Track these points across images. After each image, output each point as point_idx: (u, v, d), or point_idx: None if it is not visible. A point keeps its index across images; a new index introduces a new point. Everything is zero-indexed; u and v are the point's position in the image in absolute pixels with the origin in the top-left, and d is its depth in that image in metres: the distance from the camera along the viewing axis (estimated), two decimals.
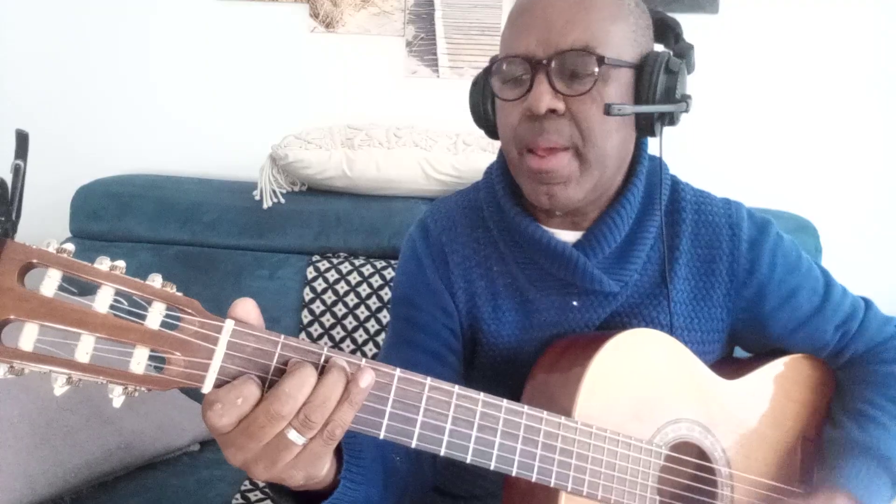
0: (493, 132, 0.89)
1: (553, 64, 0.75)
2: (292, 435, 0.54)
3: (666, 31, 0.85)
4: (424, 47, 1.87)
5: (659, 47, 0.85)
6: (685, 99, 0.80)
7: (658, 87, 0.78)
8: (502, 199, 0.89)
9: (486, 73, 0.86)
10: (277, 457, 0.54)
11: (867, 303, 0.95)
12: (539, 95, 0.75)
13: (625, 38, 0.78)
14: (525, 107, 0.77)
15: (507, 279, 0.90)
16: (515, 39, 0.78)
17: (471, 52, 1.86)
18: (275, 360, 0.56)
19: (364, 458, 0.69)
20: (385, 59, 1.89)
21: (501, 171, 0.91)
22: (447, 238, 0.93)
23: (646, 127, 0.81)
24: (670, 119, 0.81)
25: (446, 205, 0.98)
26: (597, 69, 0.75)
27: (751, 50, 1.79)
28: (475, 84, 0.88)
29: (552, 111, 0.76)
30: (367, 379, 0.56)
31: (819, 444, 0.88)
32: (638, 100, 0.79)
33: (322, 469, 0.59)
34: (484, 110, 0.87)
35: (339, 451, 0.66)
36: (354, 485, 0.66)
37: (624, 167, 0.86)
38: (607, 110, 0.75)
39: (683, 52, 0.82)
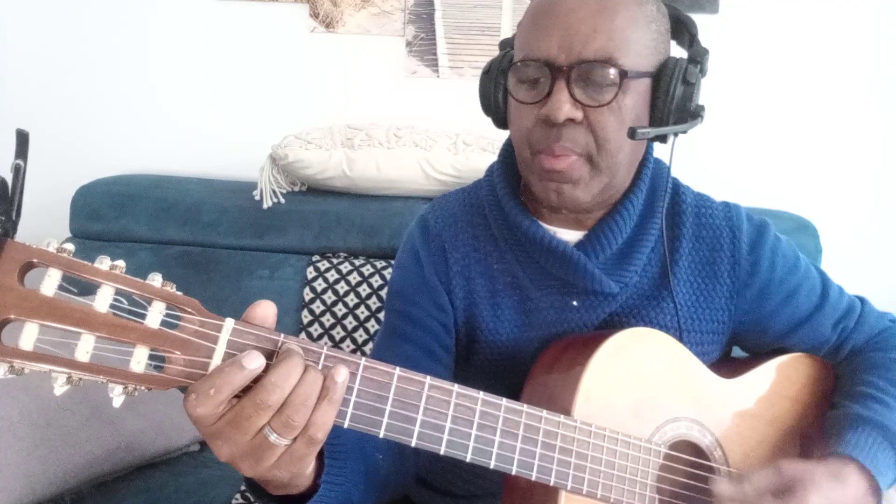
0: (501, 123, 0.88)
1: (574, 72, 0.75)
2: (273, 438, 0.53)
3: (681, 29, 0.85)
4: (424, 47, 1.87)
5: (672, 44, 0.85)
6: (699, 111, 0.80)
7: (675, 98, 0.78)
8: (504, 199, 0.89)
9: (499, 64, 0.85)
10: (262, 455, 0.54)
11: (862, 300, 0.96)
12: (559, 104, 0.75)
13: (646, 47, 0.77)
14: (543, 113, 0.77)
15: (507, 278, 0.90)
16: (536, 41, 0.77)
17: (471, 52, 1.86)
18: (275, 360, 0.56)
19: (345, 459, 0.69)
20: (385, 59, 1.89)
21: (503, 170, 0.91)
22: (447, 235, 0.93)
23: (659, 135, 0.81)
24: (684, 130, 0.81)
25: (448, 202, 0.98)
26: (619, 81, 0.74)
27: (751, 50, 1.79)
28: (486, 73, 0.87)
29: (570, 120, 0.76)
30: (342, 373, 0.56)
31: (819, 430, 0.88)
32: (654, 109, 0.79)
33: (307, 468, 0.59)
34: (495, 101, 0.86)
35: (321, 453, 0.65)
36: (335, 486, 0.66)
37: (632, 171, 0.86)
38: (631, 134, 0.75)
39: (698, 55, 0.81)
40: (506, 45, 0.88)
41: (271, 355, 0.56)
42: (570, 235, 0.88)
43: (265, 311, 0.57)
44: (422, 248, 0.93)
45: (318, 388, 0.55)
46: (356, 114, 1.86)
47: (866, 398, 0.84)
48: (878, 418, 0.81)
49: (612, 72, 0.74)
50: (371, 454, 0.77)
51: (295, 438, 0.55)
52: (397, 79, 1.89)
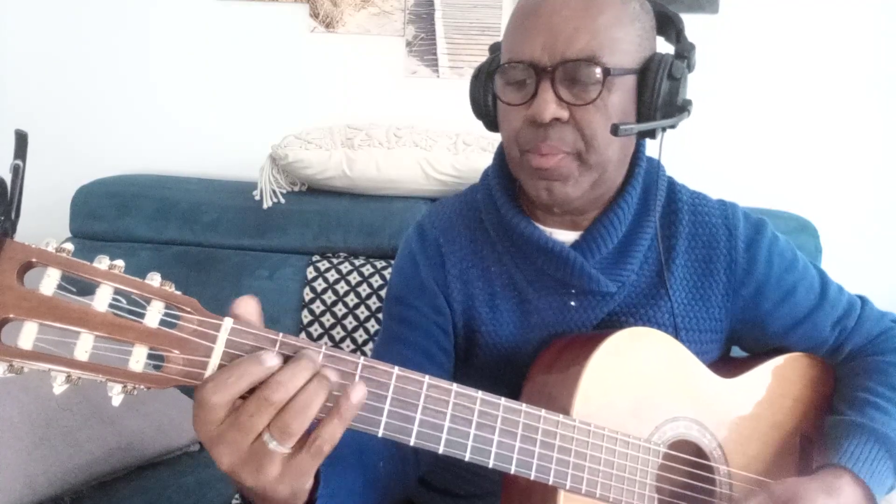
0: (492, 125, 0.88)
1: (558, 72, 0.75)
2: (273, 445, 0.53)
3: (668, 25, 0.85)
4: (424, 47, 1.87)
5: (659, 40, 0.85)
6: (686, 106, 0.80)
7: (661, 94, 0.78)
8: (499, 201, 0.90)
9: (488, 67, 0.85)
10: (261, 464, 0.53)
11: (863, 300, 0.95)
12: (544, 105, 0.75)
13: (630, 44, 0.77)
14: (529, 114, 0.77)
15: (504, 280, 0.90)
16: (520, 43, 0.78)
17: (471, 52, 1.86)
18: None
19: (343, 469, 0.69)
20: (385, 59, 1.89)
21: (498, 173, 0.92)
22: (444, 239, 0.93)
23: (647, 131, 0.81)
24: (671, 124, 0.81)
25: (444, 207, 0.98)
26: (602, 79, 0.75)
27: (751, 50, 1.79)
28: (476, 77, 0.87)
29: (556, 119, 0.76)
30: (358, 394, 0.55)
31: (818, 433, 0.88)
32: (641, 105, 0.79)
33: (308, 483, 0.58)
34: (485, 104, 0.87)
35: None
36: (331, 499, 0.65)
37: (623, 168, 0.86)
38: (614, 130, 0.75)
39: (685, 51, 0.81)
40: (496, 48, 0.88)
41: None
42: (565, 236, 0.88)
43: (246, 305, 0.57)
44: (419, 252, 0.93)
45: (321, 400, 0.54)
46: (356, 114, 1.86)
47: (864, 405, 0.84)
48: (875, 426, 0.81)
49: (596, 70, 0.74)
50: (372, 463, 0.76)
51: (297, 449, 0.54)
52: (397, 79, 1.89)
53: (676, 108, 0.79)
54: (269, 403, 0.52)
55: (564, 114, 0.76)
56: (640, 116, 0.80)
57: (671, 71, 0.78)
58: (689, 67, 0.81)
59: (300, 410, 0.53)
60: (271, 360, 0.54)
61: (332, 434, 0.55)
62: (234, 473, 0.54)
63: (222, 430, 0.53)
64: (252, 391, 0.53)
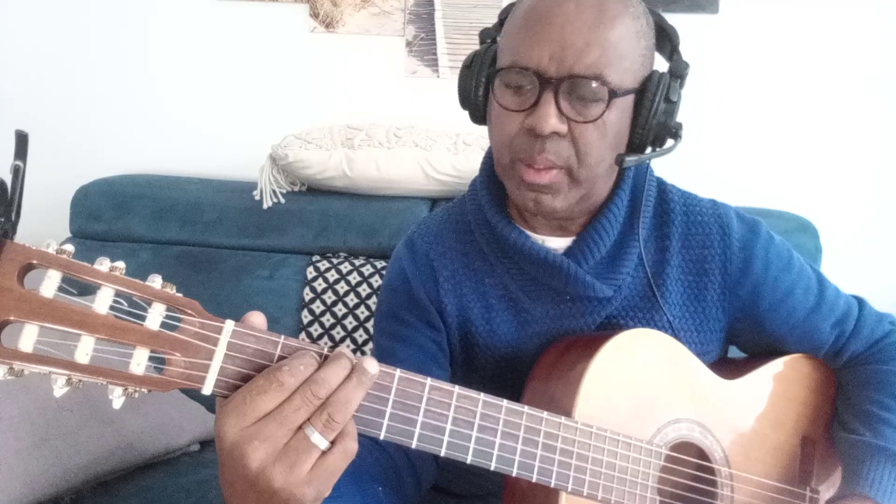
0: (478, 118, 0.86)
1: (564, 85, 0.74)
2: (315, 437, 0.53)
3: (663, 40, 0.84)
4: (424, 47, 1.87)
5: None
6: (678, 130, 0.80)
7: (657, 117, 0.78)
8: (489, 213, 0.89)
9: (482, 59, 0.83)
10: (297, 459, 0.53)
11: (860, 302, 0.95)
12: (546, 117, 0.74)
13: (635, 63, 0.77)
14: (528, 124, 0.76)
15: (499, 291, 0.90)
16: (527, 48, 0.75)
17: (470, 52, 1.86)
18: (275, 361, 0.56)
19: (340, 495, 0.68)
20: (385, 59, 1.88)
21: (486, 183, 0.91)
22: (435, 253, 0.92)
23: (639, 147, 0.81)
24: (668, 152, 0.81)
25: (433, 220, 0.97)
26: (608, 100, 0.74)
27: (751, 50, 1.79)
28: (468, 66, 0.84)
29: (555, 133, 0.75)
30: (374, 365, 0.57)
31: (831, 447, 0.88)
32: (635, 126, 0.79)
33: (330, 487, 0.57)
34: (475, 95, 0.84)
35: None
36: None
37: (611, 180, 0.86)
38: (619, 162, 0.77)
39: (679, 70, 0.80)
40: (486, 35, 0.86)
41: (272, 357, 0.56)
42: (557, 243, 0.88)
43: (256, 320, 0.58)
44: (409, 267, 0.93)
45: (361, 395, 0.56)
46: (356, 114, 1.85)
47: (876, 421, 0.84)
48: (889, 446, 0.81)
49: (602, 91, 0.74)
50: (370, 488, 0.76)
51: (332, 443, 0.54)
52: (397, 79, 1.89)
53: (669, 131, 0.79)
54: (317, 398, 0.53)
55: (564, 128, 0.75)
56: (633, 136, 0.80)
57: (668, 94, 0.78)
58: (681, 86, 0.81)
59: (344, 403, 0.54)
60: (317, 359, 0.56)
61: (353, 400, 0.55)
62: (263, 472, 0.53)
63: (260, 425, 0.53)
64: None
